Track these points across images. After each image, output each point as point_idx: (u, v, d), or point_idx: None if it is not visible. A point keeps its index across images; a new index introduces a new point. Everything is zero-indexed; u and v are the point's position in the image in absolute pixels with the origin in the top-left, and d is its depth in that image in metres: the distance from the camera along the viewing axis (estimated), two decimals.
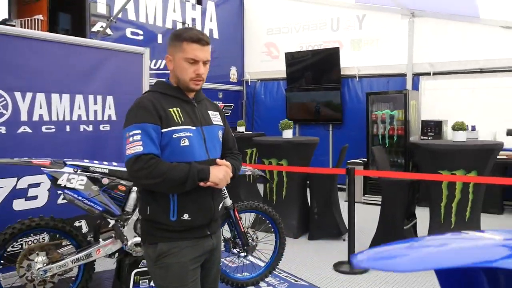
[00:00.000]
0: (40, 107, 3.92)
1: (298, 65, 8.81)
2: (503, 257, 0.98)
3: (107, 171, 3.12)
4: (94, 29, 6.82)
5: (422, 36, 7.59)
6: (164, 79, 2.06)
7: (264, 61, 9.57)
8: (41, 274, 2.93)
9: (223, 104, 9.28)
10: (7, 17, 7.11)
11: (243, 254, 3.69)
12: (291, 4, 9.11)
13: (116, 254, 3.26)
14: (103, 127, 4.50)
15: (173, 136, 1.88)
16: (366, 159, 7.54)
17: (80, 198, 3.00)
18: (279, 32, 9.34)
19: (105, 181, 3.11)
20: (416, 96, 7.48)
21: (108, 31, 7.02)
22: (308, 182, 5.63)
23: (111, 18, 6.80)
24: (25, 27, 6.75)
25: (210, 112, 2.08)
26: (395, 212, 4.68)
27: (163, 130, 1.87)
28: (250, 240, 3.69)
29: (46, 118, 3.96)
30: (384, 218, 4.80)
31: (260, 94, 9.69)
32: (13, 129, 3.70)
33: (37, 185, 3.90)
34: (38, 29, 6.68)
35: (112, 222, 3.42)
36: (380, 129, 7.39)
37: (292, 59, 8.83)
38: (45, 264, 2.97)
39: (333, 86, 8.41)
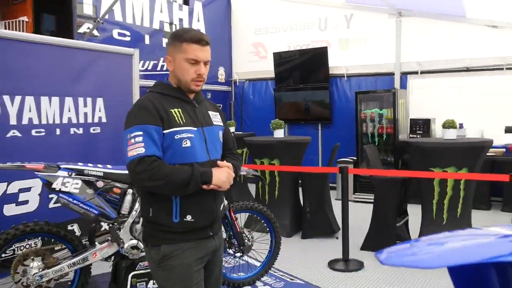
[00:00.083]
0: (30, 111, 3.87)
1: (286, 65, 8.83)
2: None
3: (101, 174, 3.09)
4: (81, 30, 6.74)
5: (410, 35, 7.67)
6: (162, 80, 2.04)
7: (252, 61, 9.57)
8: (37, 280, 2.89)
9: None
10: None
11: (238, 254, 3.69)
12: (279, 4, 9.12)
13: (112, 257, 3.24)
14: (94, 130, 4.46)
15: (175, 137, 1.86)
16: (356, 158, 7.59)
17: (75, 202, 2.96)
18: (267, 32, 9.35)
19: (100, 184, 3.07)
20: (404, 94, 7.56)
21: (95, 32, 6.94)
22: (300, 181, 5.65)
23: (98, 19, 6.72)
24: (9, 29, 6.63)
25: (210, 113, 2.07)
26: (387, 209, 4.73)
27: (164, 131, 1.85)
28: (245, 240, 3.69)
29: (35, 121, 3.90)
30: (376, 215, 4.84)
31: (249, 94, 9.68)
32: (2, 133, 3.64)
33: (27, 189, 3.85)
34: (23, 31, 6.56)
35: (104, 225, 3.40)
36: (370, 127, 7.45)
37: (280, 59, 8.84)
38: (40, 269, 2.92)
39: (321, 85, 8.45)
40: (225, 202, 3.49)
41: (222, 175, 1.91)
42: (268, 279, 4.03)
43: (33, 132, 3.88)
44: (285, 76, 8.89)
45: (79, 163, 3.14)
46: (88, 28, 6.74)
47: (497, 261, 0.96)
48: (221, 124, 2.11)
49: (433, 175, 4.32)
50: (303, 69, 8.62)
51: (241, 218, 4.08)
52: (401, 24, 7.73)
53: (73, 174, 3.00)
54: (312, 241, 5.32)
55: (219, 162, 1.97)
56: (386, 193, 4.77)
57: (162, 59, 8.17)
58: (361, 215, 5.50)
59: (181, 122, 1.89)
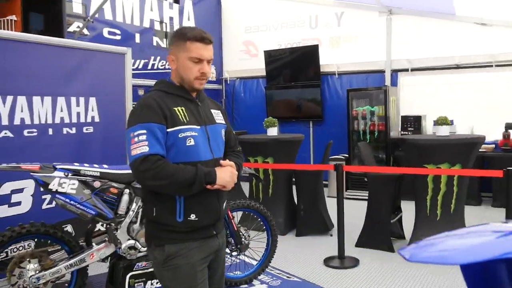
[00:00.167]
0: (22, 111, 3.81)
1: (277, 63, 8.83)
2: None
3: (98, 174, 3.06)
4: (70, 29, 6.66)
5: (400, 33, 7.72)
6: (164, 78, 2.03)
7: (243, 59, 9.55)
8: (34, 282, 2.85)
9: None
10: None
11: (235, 253, 3.68)
12: (269, 2, 9.12)
13: (109, 258, 3.21)
14: (87, 129, 4.41)
15: (179, 136, 1.85)
16: (347, 155, 7.63)
17: (72, 202, 2.93)
18: (258, 30, 9.34)
19: (97, 184, 3.05)
20: (395, 92, 7.61)
21: (85, 31, 6.87)
22: (294, 179, 5.66)
23: (88, 18, 6.65)
24: None
25: (212, 111, 2.06)
26: (382, 206, 4.76)
27: (168, 130, 1.84)
28: (242, 239, 3.69)
29: (27, 121, 3.85)
30: (371, 212, 4.86)
31: (240, 92, 9.67)
32: None
33: (20, 190, 3.80)
34: (12, 30, 6.47)
35: (98, 225, 3.36)
36: (361, 125, 7.49)
37: (271, 57, 8.84)
38: (37, 272, 2.89)
39: (312, 83, 8.47)
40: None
41: (226, 175, 1.90)
42: (265, 277, 4.03)
43: (25, 133, 3.83)
44: (276, 74, 8.89)
45: (75, 163, 3.10)
46: (78, 27, 6.67)
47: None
48: (223, 122, 2.10)
49: (428, 171, 4.36)
50: (294, 67, 8.63)
51: (237, 217, 4.08)
52: (391, 22, 7.77)
53: (70, 174, 2.97)
54: (306, 238, 5.34)
55: (222, 162, 1.97)
56: (380, 190, 4.80)
57: (152, 57, 8.12)
58: (353, 212, 5.53)
59: (185, 120, 1.88)
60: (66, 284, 3.14)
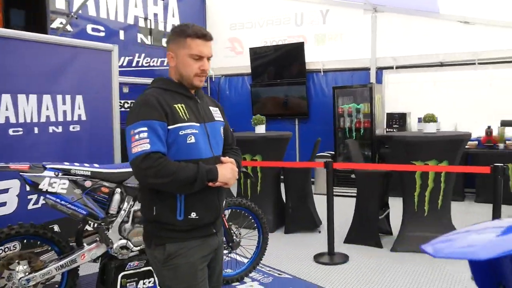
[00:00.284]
0: (6, 109, 3.73)
1: (263, 60, 8.82)
2: None
3: (89, 173, 3.01)
4: (53, 25, 6.53)
5: (385, 31, 7.79)
6: (162, 76, 2.00)
7: (228, 56, 9.50)
8: (24, 284, 2.79)
9: None
10: None
11: (226, 251, 3.67)
12: None
13: (100, 258, 3.17)
14: (73, 128, 4.34)
15: (180, 133, 1.83)
16: (333, 152, 7.68)
17: (62, 202, 2.88)
18: (243, 28, 9.31)
19: (88, 183, 3.00)
20: (380, 89, 7.68)
21: (68, 27, 6.74)
22: (282, 176, 5.67)
23: (72, 14, 6.54)
24: None
25: (211, 108, 2.05)
26: (370, 202, 4.80)
27: (169, 127, 1.81)
28: (234, 237, 3.69)
29: (12, 120, 3.77)
30: (359, 209, 4.90)
31: (225, 90, 9.63)
32: None
33: (5, 191, 3.72)
34: None
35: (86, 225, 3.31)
36: (347, 122, 7.55)
37: (256, 54, 8.82)
38: (27, 273, 2.83)
39: (298, 80, 8.48)
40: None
41: (227, 172, 1.89)
42: (256, 274, 4.03)
43: (10, 132, 3.74)
44: (261, 71, 8.88)
45: (65, 163, 3.04)
46: (61, 23, 6.55)
47: None
48: (222, 119, 2.09)
49: (416, 168, 4.41)
50: (279, 64, 8.63)
51: (226, 214, 4.07)
52: (376, 20, 7.83)
53: (60, 174, 2.91)
54: (295, 235, 5.36)
55: (222, 158, 1.96)
56: (368, 187, 4.84)
57: (137, 54, 8.02)
58: (341, 209, 5.57)
59: (185, 117, 1.86)
60: (56, 286, 3.09)
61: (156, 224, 1.88)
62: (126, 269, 3.10)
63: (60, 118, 4.19)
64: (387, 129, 7.35)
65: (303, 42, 8.35)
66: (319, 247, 4.70)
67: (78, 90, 4.35)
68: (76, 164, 3.04)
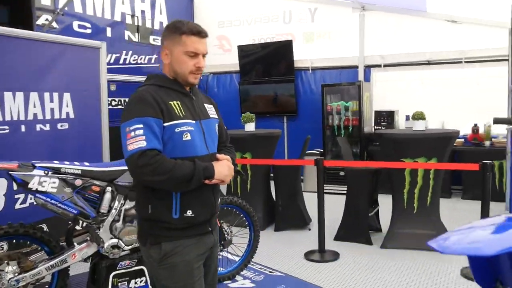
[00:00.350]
0: None
1: (251, 58, 8.80)
2: None
3: (79, 172, 2.97)
4: (38, 22, 6.42)
5: (373, 29, 7.83)
6: (157, 73, 1.97)
7: (216, 54, 9.45)
8: (14, 285, 2.74)
9: None
10: None
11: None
12: None
13: (91, 258, 3.13)
14: (61, 126, 4.28)
15: (175, 130, 1.81)
16: (322, 150, 7.70)
17: (53, 201, 2.83)
18: (231, 25, 9.27)
19: (78, 182, 2.95)
20: (368, 87, 7.72)
21: (54, 24, 6.64)
22: (272, 174, 5.67)
23: (58, 10, 6.44)
24: None
25: (206, 105, 2.04)
26: (360, 200, 4.83)
27: (165, 124, 1.80)
28: (225, 235, 3.67)
29: None
30: (349, 206, 4.93)
31: (213, 87, 9.59)
32: None
33: None
34: None
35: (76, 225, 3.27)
36: (336, 120, 7.57)
37: (244, 52, 8.80)
38: (16, 274, 2.78)
39: (286, 78, 8.48)
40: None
41: (224, 169, 1.88)
42: (247, 272, 4.03)
43: None
44: (249, 69, 8.86)
45: (55, 161, 2.99)
46: (47, 19, 6.44)
47: None
48: (216, 116, 2.08)
49: (406, 165, 4.45)
50: (268, 62, 8.62)
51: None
52: (364, 18, 7.87)
53: (50, 172, 2.86)
54: (285, 233, 5.36)
55: (218, 155, 1.95)
56: (358, 184, 4.87)
57: (124, 52, 7.94)
58: (330, 206, 5.56)
59: (181, 114, 1.84)
60: (47, 286, 3.04)
61: (151, 222, 1.86)
62: (117, 268, 3.07)
63: (48, 116, 4.14)
64: (375, 127, 7.39)
65: (291, 40, 8.35)
66: (309, 245, 4.71)
67: (66, 87, 4.29)
68: (66, 162, 3.00)
